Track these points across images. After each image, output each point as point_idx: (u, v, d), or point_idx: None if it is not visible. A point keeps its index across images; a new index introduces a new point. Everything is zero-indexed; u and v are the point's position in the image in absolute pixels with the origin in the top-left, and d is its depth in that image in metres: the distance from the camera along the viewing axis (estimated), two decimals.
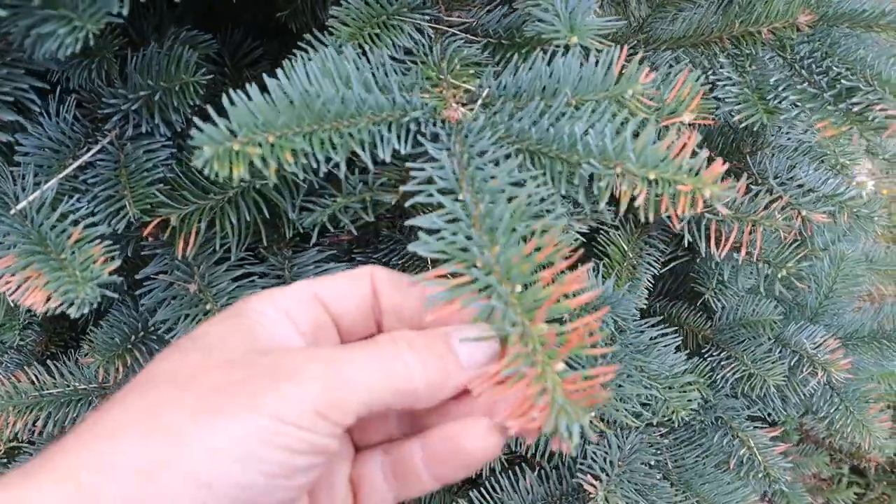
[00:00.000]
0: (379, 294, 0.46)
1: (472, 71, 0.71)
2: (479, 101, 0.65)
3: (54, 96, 0.78)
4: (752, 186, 0.87)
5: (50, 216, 0.67)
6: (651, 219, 0.51)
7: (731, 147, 0.94)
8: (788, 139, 0.99)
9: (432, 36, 0.77)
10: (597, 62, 0.63)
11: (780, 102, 0.77)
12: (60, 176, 0.70)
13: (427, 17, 0.77)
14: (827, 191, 0.92)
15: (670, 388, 0.83)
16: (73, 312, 0.61)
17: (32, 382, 0.86)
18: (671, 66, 0.85)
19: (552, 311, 0.41)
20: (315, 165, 0.54)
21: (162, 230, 0.73)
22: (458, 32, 0.78)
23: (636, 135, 0.54)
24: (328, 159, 0.55)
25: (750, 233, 0.86)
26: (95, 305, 0.61)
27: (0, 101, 0.61)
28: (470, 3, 0.83)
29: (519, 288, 0.43)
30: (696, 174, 0.50)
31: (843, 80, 0.74)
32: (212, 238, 0.73)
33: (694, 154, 0.51)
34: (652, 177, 0.51)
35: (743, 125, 0.79)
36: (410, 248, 0.46)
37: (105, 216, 0.70)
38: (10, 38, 0.58)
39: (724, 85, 0.80)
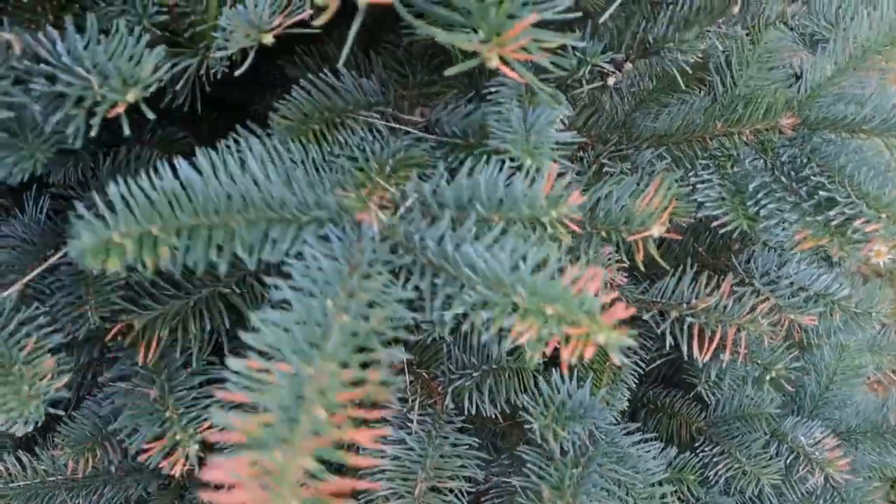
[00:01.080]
0: None
1: (402, 174, 0.70)
2: (403, 208, 0.63)
3: (30, 193, 0.79)
4: (737, 288, 0.85)
5: (8, 324, 0.66)
6: (537, 359, 0.48)
7: (719, 243, 0.92)
8: (784, 233, 0.96)
9: (385, 134, 0.76)
10: (529, 178, 0.59)
11: (759, 210, 0.75)
12: (24, 280, 0.70)
13: (380, 115, 0.76)
14: (819, 289, 0.89)
15: (649, 498, 0.80)
16: (17, 431, 0.60)
17: (1, 476, 0.85)
18: (653, 164, 0.84)
19: None
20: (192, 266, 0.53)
21: (125, 334, 0.72)
22: (412, 131, 0.77)
23: (542, 264, 0.52)
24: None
25: (735, 335, 0.83)
26: (40, 423, 0.60)
27: None
28: (438, 99, 0.82)
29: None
30: (593, 316, 0.46)
31: (821, 191, 0.71)
32: (175, 343, 0.72)
33: (598, 293, 0.48)
34: (549, 312, 0.48)
35: (723, 231, 0.76)
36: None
37: (66, 322, 0.69)
38: None
39: (705, 188, 0.78)
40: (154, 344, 0.70)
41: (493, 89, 0.74)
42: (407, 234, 0.58)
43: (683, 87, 0.80)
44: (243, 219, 0.55)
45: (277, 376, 0.42)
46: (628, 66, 0.80)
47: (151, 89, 0.53)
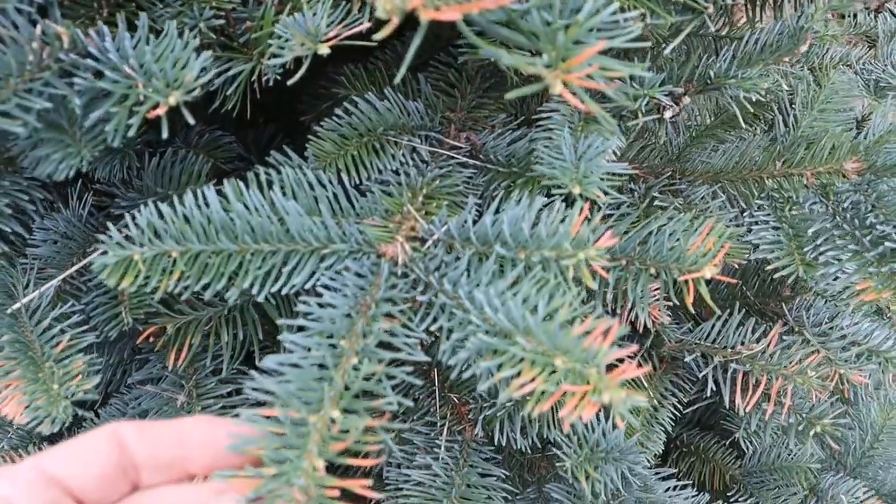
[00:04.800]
0: (131, 451, 0.41)
1: (435, 203, 0.68)
2: (430, 241, 0.61)
3: (74, 189, 0.79)
4: (786, 337, 0.81)
5: (44, 319, 0.66)
6: (535, 413, 0.46)
7: (768, 289, 0.89)
8: (842, 282, 0.93)
9: (426, 159, 0.74)
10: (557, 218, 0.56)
11: (818, 256, 0.72)
12: (61, 277, 0.69)
13: (423, 139, 0.75)
14: (872, 344, 0.85)
15: None
16: (44, 430, 0.59)
17: None
18: (707, 201, 0.81)
19: None
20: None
21: (156, 337, 0.72)
22: (455, 156, 0.75)
23: (555, 312, 0.49)
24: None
25: (780, 386, 0.80)
26: (67, 423, 0.59)
27: (1, 211, 0.61)
28: (486, 123, 0.80)
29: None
30: (599, 373, 0.43)
31: (887, 241, 0.68)
32: (205, 350, 0.71)
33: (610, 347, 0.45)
34: (557, 362, 0.44)
35: (777, 276, 0.73)
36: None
37: (100, 321, 0.69)
38: (13, 152, 0.58)
39: (760, 230, 0.75)
40: (185, 349, 0.69)
41: (544, 115, 0.72)
42: (427, 270, 0.57)
43: (743, 125, 0.77)
44: (259, 247, 0.54)
45: (277, 426, 0.41)
46: (686, 99, 0.77)
47: (195, 94, 0.52)
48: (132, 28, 0.57)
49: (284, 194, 0.59)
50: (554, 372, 0.44)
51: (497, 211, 0.59)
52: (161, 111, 0.51)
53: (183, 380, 0.71)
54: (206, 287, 0.53)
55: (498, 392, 0.48)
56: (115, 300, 0.69)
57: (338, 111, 0.72)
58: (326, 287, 0.54)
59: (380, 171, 0.71)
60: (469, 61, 0.78)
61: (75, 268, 0.70)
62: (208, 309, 0.70)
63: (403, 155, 0.73)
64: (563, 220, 0.57)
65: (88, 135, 0.55)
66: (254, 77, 0.66)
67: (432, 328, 0.54)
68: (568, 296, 0.51)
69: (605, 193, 0.65)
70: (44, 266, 0.72)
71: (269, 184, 0.62)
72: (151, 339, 0.74)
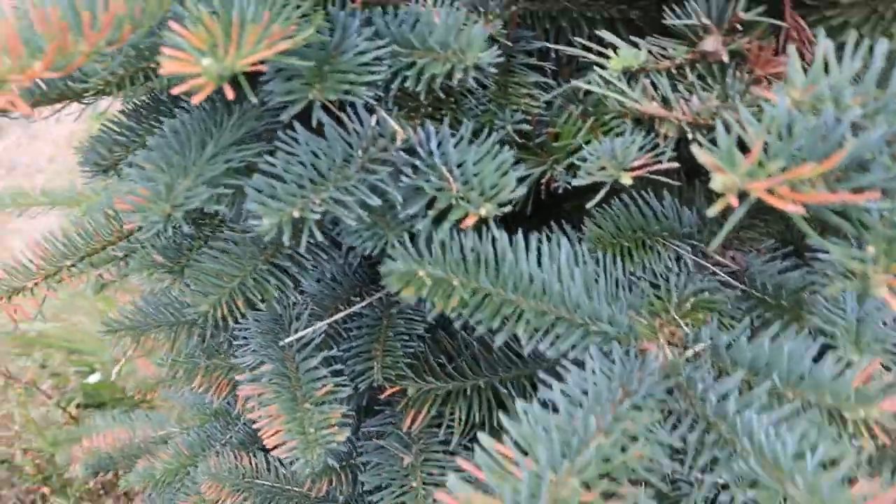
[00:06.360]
0: None
1: (700, 315, 0.67)
2: (692, 351, 0.59)
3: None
4: None
5: (310, 358, 0.72)
6: None
7: None
8: None
9: (690, 269, 0.73)
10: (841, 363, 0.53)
11: None
12: (329, 321, 0.75)
13: (691, 248, 0.74)
14: None
15: None
16: (297, 468, 0.65)
17: (251, 466, 0.93)
18: None
19: None
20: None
21: (394, 396, 0.76)
22: (720, 273, 0.73)
23: (832, 463, 0.46)
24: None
25: None
26: (317, 470, 0.65)
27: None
28: (753, 245, 0.78)
29: None
30: None
31: None
32: (440, 416, 0.75)
33: None
34: None
35: None
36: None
37: (351, 371, 0.74)
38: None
39: None
40: (422, 415, 0.73)
41: (820, 256, 0.69)
42: (690, 379, 0.56)
43: None
44: (535, 304, 0.56)
45: (521, 470, 0.42)
46: None
47: (505, 209, 0.55)
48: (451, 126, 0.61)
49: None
50: None
51: (774, 339, 0.57)
52: (470, 221, 0.54)
53: (412, 442, 0.75)
54: (479, 322, 0.56)
55: None
56: (368, 353, 0.74)
57: (618, 203, 0.73)
58: (589, 360, 0.55)
59: (644, 269, 0.71)
60: None
61: (343, 313, 0.76)
62: (451, 382, 0.73)
63: (669, 258, 0.73)
64: (848, 366, 0.54)
65: (397, 220, 0.59)
66: (543, 179, 0.68)
67: (689, 438, 0.53)
68: (849, 449, 0.49)
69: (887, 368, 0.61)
70: (315, 304, 0.79)
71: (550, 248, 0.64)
72: (390, 396, 0.79)
